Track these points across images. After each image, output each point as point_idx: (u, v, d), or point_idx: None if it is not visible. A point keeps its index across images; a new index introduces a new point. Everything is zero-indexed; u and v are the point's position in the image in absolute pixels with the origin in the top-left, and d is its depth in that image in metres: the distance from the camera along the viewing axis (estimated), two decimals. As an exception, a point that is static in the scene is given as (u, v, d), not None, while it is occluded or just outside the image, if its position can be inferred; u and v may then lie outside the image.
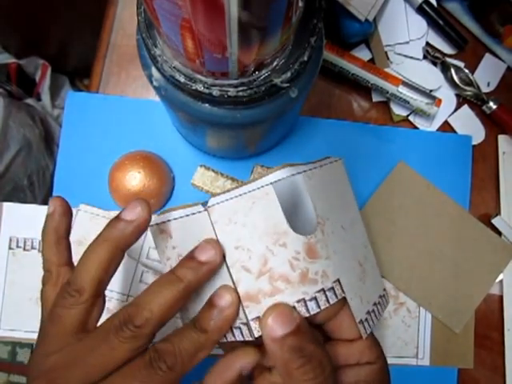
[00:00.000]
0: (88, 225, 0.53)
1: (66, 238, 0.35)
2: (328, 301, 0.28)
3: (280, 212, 0.28)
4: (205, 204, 0.29)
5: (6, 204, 0.54)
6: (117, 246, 0.30)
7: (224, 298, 0.28)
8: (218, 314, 0.28)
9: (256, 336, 0.28)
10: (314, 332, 0.30)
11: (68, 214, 0.35)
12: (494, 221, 0.57)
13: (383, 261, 0.55)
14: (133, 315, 0.27)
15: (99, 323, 0.29)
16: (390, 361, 0.54)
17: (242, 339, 0.29)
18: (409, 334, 0.55)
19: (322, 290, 0.28)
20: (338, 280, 0.29)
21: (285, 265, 0.28)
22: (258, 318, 0.28)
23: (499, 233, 0.57)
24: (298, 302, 0.28)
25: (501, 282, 0.58)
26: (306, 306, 0.28)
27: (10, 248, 0.53)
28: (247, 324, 0.29)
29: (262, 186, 0.28)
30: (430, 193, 0.57)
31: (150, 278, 0.53)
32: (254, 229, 0.28)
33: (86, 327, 0.29)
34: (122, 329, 0.27)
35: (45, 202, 0.55)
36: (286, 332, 0.27)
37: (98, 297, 0.30)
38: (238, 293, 0.28)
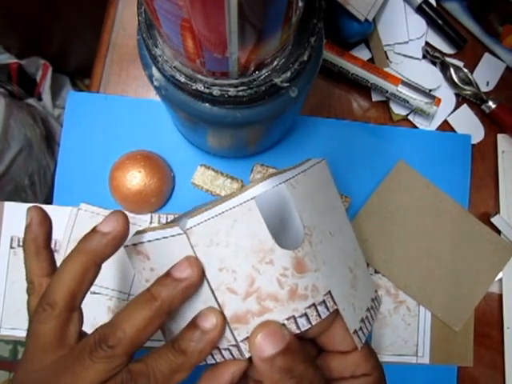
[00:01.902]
0: (88, 224, 0.53)
1: (45, 248, 0.33)
2: (319, 315, 0.27)
3: (265, 228, 0.26)
4: (183, 225, 0.27)
5: (7, 203, 0.54)
6: (91, 258, 0.29)
7: (208, 320, 0.27)
8: (201, 336, 0.27)
9: (247, 357, 0.28)
10: (306, 348, 0.29)
11: (45, 223, 0.34)
12: (494, 219, 0.57)
13: (383, 259, 0.55)
14: (107, 334, 0.26)
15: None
16: (389, 359, 0.54)
17: (231, 359, 0.28)
18: (408, 332, 0.56)
19: (313, 305, 0.27)
20: (329, 292, 0.28)
21: (272, 283, 0.27)
22: (247, 338, 0.27)
23: (498, 231, 0.58)
24: (288, 319, 0.27)
25: (500, 280, 0.58)
26: (297, 323, 0.27)
27: (11, 247, 0.54)
28: (237, 345, 0.28)
29: (244, 202, 0.26)
30: (429, 192, 0.57)
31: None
32: (237, 248, 0.26)
33: (65, 342, 0.28)
34: (95, 348, 0.26)
35: (46, 202, 0.55)
36: (275, 352, 0.26)
37: (73, 311, 0.28)
38: (224, 315, 0.27)
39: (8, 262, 0.53)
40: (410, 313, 0.56)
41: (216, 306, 0.27)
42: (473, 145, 0.60)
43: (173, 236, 0.27)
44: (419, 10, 0.59)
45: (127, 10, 0.60)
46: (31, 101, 1.05)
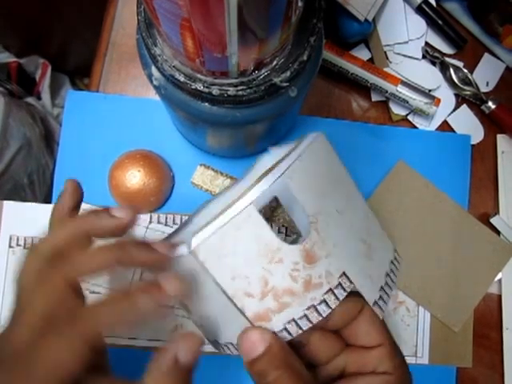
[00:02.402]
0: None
1: (69, 217, 0.34)
2: (337, 298, 0.28)
3: (268, 230, 0.27)
4: (189, 244, 0.27)
5: (6, 202, 0.54)
6: (87, 228, 0.30)
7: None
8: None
9: None
10: (291, 355, 0.28)
11: (75, 194, 0.35)
12: (493, 220, 0.57)
13: (382, 260, 0.55)
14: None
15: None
16: (388, 359, 0.54)
17: None
18: (408, 332, 0.55)
19: (329, 290, 0.28)
20: (344, 273, 0.28)
21: (286, 279, 0.27)
22: (274, 333, 0.28)
23: (498, 232, 0.58)
24: (308, 309, 0.27)
25: (499, 281, 0.58)
26: (317, 310, 0.27)
27: (10, 246, 0.53)
28: None
29: (243, 209, 0.26)
30: (429, 192, 0.57)
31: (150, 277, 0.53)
32: (246, 255, 0.27)
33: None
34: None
35: (45, 201, 0.55)
36: (251, 358, 0.27)
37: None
38: (247, 318, 0.28)
39: (7, 261, 0.53)
40: (409, 313, 0.56)
41: (236, 310, 0.28)
42: (472, 145, 0.60)
43: (181, 256, 0.28)
44: (419, 10, 0.59)
45: (127, 9, 0.60)
46: (30, 100, 1.05)
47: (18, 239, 0.54)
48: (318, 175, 0.30)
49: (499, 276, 0.57)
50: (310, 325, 0.27)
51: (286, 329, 0.27)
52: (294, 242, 0.27)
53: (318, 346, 0.31)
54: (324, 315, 0.27)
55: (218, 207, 0.42)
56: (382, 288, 0.31)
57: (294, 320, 0.27)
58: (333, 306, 0.27)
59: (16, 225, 0.54)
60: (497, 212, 0.58)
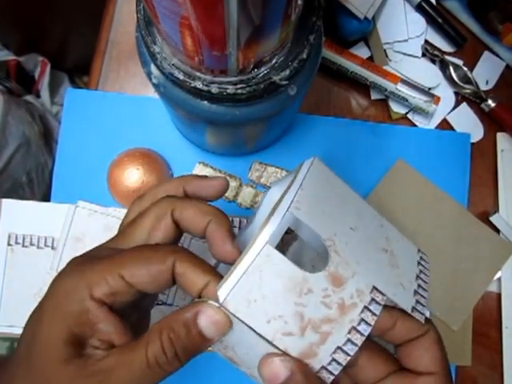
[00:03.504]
0: (86, 221, 0.53)
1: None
2: (374, 314, 0.28)
3: (289, 264, 0.27)
4: (216, 299, 0.27)
5: (4, 200, 0.54)
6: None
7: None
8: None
9: (330, 381, 0.27)
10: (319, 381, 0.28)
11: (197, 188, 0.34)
12: (493, 218, 0.57)
13: (381, 258, 0.55)
14: None
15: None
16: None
17: None
18: (407, 331, 0.55)
19: (365, 307, 0.27)
20: (374, 287, 0.28)
21: (320, 308, 0.27)
22: (323, 367, 0.27)
23: (497, 230, 0.58)
24: (349, 332, 0.27)
25: (499, 279, 0.58)
26: (358, 331, 0.27)
27: (8, 244, 0.53)
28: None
29: (260, 251, 0.26)
30: (428, 190, 0.57)
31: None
32: (274, 295, 0.27)
33: None
34: None
35: (44, 199, 0.55)
36: None
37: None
38: (292, 357, 0.27)
39: (5, 260, 0.53)
40: (408, 311, 0.55)
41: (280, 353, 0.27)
42: (472, 143, 0.60)
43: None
44: (419, 8, 0.59)
45: (126, 7, 0.60)
46: (29, 98, 1.05)
47: (16, 237, 0.54)
48: (322, 198, 0.31)
49: (498, 274, 0.57)
50: (356, 348, 0.27)
51: (334, 359, 0.27)
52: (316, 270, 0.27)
53: (366, 366, 0.30)
54: (366, 334, 0.27)
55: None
56: (416, 292, 0.31)
57: (339, 348, 0.27)
58: (372, 323, 0.27)
59: (15, 223, 0.54)
60: (496, 210, 0.58)
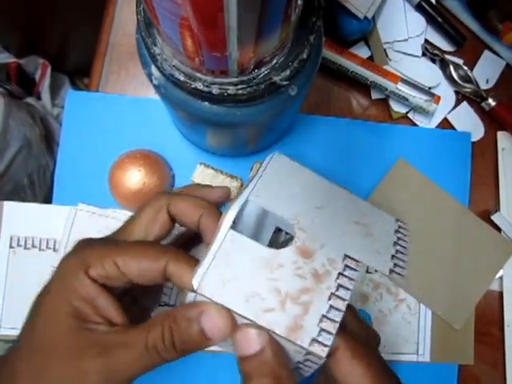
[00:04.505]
0: (86, 223, 0.53)
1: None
2: (351, 278, 0.29)
3: (255, 244, 0.29)
4: (191, 288, 0.28)
5: (6, 203, 0.54)
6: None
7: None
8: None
9: (324, 356, 0.27)
10: (287, 366, 0.28)
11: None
12: (494, 217, 0.57)
13: (383, 258, 0.55)
14: None
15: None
16: (390, 357, 0.54)
17: (317, 367, 0.28)
18: (409, 330, 0.55)
19: (340, 274, 0.29)
20: (346, 255, 0.30)
21: (295, 280, 0.28)
22: (314, 339, 0.27)
23: (499, 229, 0.58)
24: (330, 299, 0.28)
25: (501, 278, 0.58)
26: (339, 296, 0.28)
27: (10, 247, 0.53)
28: (309, 352, 0.27)
29: (224, 238, 0.28)
30: (429, 190, 0.57)
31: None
32: (246, 274, 0.28)
33: None
34: None
35: (45, 201, 0.55)
36: (243, 355, 0.27)
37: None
38: (279, 335, 0.27)
39: (7, 262, 0.53)
40: (410, 311, 0.56)
41: (266, 330, 0.27)
42: (473, 142, 0.60)
43: (193, 299, 0.28)
44: (418, 7, 0.59)
45: (126, 9, 0.60)
46: (30, 100, 1.05)
47: (18, 239, 0.54)
48: (284, 185, 0.34)
49: (500, 273, 0.57)
50: (341, 314, 0.28)
51: (322, 329, 0.27)
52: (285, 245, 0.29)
53: None
54: (347, 298, 0.28)
55: None
56: (393, 256, 0.33)
57: (324, 316, 0.27)
58: (350, 287, 0.29)
59: (17, 225, 0.54)
60: (497, 209, 0.58)
